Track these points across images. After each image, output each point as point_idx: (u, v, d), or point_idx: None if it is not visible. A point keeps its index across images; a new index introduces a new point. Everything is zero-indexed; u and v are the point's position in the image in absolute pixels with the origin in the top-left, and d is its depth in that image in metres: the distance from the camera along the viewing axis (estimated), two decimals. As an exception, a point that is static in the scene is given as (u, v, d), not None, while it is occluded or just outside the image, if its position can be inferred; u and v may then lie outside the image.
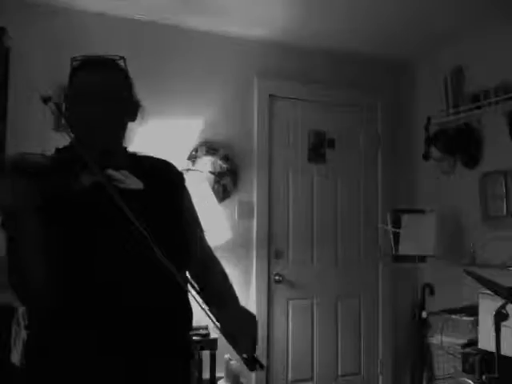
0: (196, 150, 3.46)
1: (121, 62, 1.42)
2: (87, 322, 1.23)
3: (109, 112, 1.33)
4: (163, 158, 1.55)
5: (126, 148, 1.46)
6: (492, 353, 2.31)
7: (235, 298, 1.50)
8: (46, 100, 1.16)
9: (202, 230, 1.56)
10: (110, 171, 1.26)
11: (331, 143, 3.93)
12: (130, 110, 1.43)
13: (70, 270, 1.22)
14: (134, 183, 1.32)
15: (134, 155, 1.49)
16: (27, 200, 1.12)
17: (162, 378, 1.30)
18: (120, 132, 1.41)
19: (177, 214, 1.42)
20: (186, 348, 1.42)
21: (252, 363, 1.31)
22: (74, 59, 1.39)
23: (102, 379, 1.23)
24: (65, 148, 1.34)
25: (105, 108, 1.32)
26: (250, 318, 1.42)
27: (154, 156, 1.56)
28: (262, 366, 1.31)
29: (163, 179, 1.45)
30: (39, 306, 1.24)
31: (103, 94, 1.32)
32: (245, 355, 1.32)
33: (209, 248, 1.58)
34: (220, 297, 1.48)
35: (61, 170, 1.20)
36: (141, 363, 1.26)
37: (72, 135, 1.24)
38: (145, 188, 1.34)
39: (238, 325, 1.37)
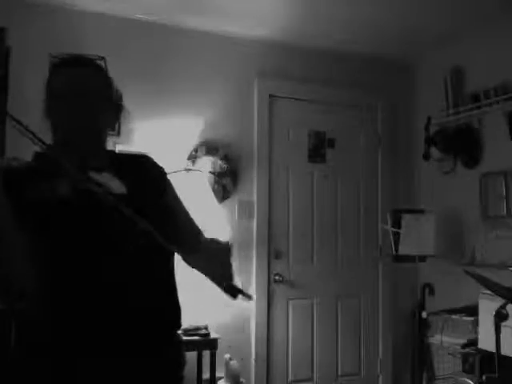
0: (196, 150, 3.46)
1: (101, 62, 1.41)
2: (71, 323, 1.22)
3: (87, 111, 1.32)
4: (142, 153, 1.54)
5: (105, 147, 1.44)
6: (492, 353, 2.31)
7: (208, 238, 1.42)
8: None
9: (193, 223, 1.53)
10: (93, 174, 1.25)
11: (331, 143, 3.93)
12: (110, 109, 1.41)
13: (57, 273, 1.21)
14: (116, 187, 1.30)
15: (113, 153, 1.49)
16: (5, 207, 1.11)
17: (148, 378, 1.30)
18: (99, 131, 1.39)
19: (162, 208, 1.41)
20: (176, 348, 1.42)
21: (232, 291, 1.28)
22: (52, 56, 1.38)
23: (89, 381, 1.22)
24: (44, 152, 1.29)
25: (83, 107, 1.31)
26: (221, 245, 1.34)
27: (133, 152, 1.55)
28: (247, 296, 1.27)
29: (145, 174, 1.44)
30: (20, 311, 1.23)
31: (82, 92, 1.32)
32: (224, 284, 1.28)
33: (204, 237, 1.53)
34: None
35: (39, 178, 1.19)
36: (127, 364, 1.25)
37: (42, 144, 1.18)
38: (128, 188, 1.33)
39: (210, 256, 1.30)
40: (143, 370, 1.28)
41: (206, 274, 1.31)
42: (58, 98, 1.32)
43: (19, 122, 1.12)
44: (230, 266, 1.31)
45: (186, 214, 1.54)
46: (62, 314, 1.22)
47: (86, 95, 1.32)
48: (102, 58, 1.42)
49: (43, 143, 1.16)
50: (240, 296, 1.28)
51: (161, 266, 1.30)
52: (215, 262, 1.30)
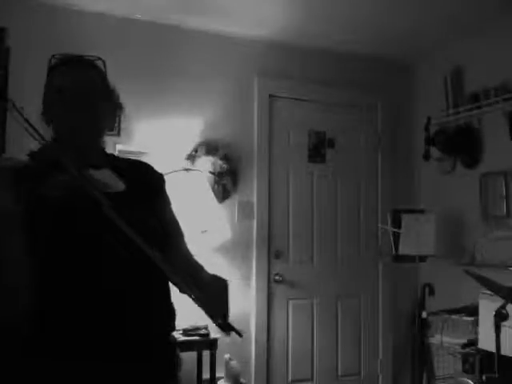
0: (196, 149, 3.46)
1: (99, 63, 1.43)
2: (67, 326, 1.22)
3: (87, 110, 1.33)
4: (143, 160, 1.57)
5: (104, 148, 1.46)
6: (492, 353, 2.31)
7: (208, 274, 1.47)
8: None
9: (181, 233, 1.56)
10: (92, 171, 1.25)
11: (331, 143, 3.93)
12: (109, 108, 1.43)
13: (52, 274, 1.21)
14: (115, 184, 1.31)
15: (113, 156, 1.50)
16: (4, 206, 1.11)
17: (144, 380, 1.29)
18: (99, 131, 1.40)
19: (155, 216, 1.41)
20: (171, 349, 1.42)
21: (226, 328, 1.33)
22: (53, 57, 1.40)
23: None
24: (40, 150, 1.30)
25: (84, 105, 1.32)
26: (221, 283, 1.40)
27: (132, 158, 1.58)
28: (238, 333, 1.32)
29: (143, 180, 1.45)
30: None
31: (83, 91, 1.33)
32: (219, 321, 1.32)
33: (187, 250, 1.56)
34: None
35: (38, 177, 1.19)
36: (122, 368, 1.25)
37: (42, 139, 1.20)
38: (127, 186, 1.34)
39: (209, 291, 1.35)
40: (138, 371, 1.28)
41: (204, 309, 1.33)
42: (59, 96, 1.33)
43: (21, 113, 1.14)
44: (227, 304, 1.37)
45: (178, 230, 1.54)
46: (57, 315, 1.22)
47: (87, 94, 1.34)
48: (100, 59, 1.44)
49: (43, 138, 1.17)
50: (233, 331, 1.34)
51: (156, 269, 1.30)
52: (216, 300, 1.35)
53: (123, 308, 1.26)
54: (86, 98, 1.33)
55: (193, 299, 1.29)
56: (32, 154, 1.31)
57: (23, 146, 1.25)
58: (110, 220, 1.17)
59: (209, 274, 1.45)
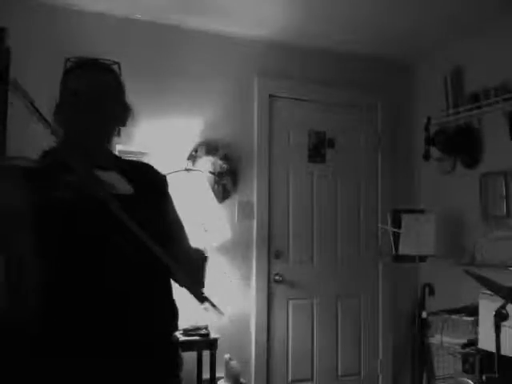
0: (196, 149, 3.46)
1: (115, 67, 1.44)
2: (71, 324, 1.22)
3: (99, 114, 1.34)
4: (146, 162, 1.59)
5: (112, 151, 1.47)
6: (492, 353, 2.31)
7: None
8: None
9: (183, 232, 1.56)
10: (100, 173, 1.25)
11: (331, 143, 3.93)
12: (121, 113, 1.45)
13: (58, 273, 1.22)
14: (122, 187, 1.32)
15: (119, 158, 1.52)
16: (12, 205, 1.11)
17: (146, 379, 1.30)
18: (108, 134, 1.42)
19: (161, 217, 1.42)
20: (172, 348, 1.42)
21: (201, 298, 1.33)
22: (68, 60, 1.41)
23: (87, 381, 1.22)
24: (52, 150, 1.33)
25: (96, 110, 1.33)
26: (197, 252, 1.43)
27: (136, 159, 1.59)
28: (214, 306, 1.33)
29: (146, 182, 1.46)
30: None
31: (97, 94, 1.34)
32: (196, 291, 1.33)
33: (190, 249, 1.57)
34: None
35: (47, 177, 1.19)
36: (124, 365, 1.25)
37: (57, 137, 1.22)
38: (134, 189, 1.35)
39: (185, 260, 1.36)
40: (141, 370, 1.28)
41: (180, 281, 1.33)
42: (75, 99, 1.34)
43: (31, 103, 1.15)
44: (203, 273, 1.39)
45: (182, 228, 1.55)
46: (61, 314, 1.22)
47: (101, 97, 1.35)
48: (116, 63, 1.45)
49: (45, 119, 1.18)
50: (210, 306, 1.35)
51: (160, 269, 1.30)
52: (194, 269, 1.37)
53: (126, 308, 1.26)
54: (100, 101, 1.34)
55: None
56: (45, 154, 1.32)
57: (24, 143, 1.25)
58: (115, 220, 1.18)
59: (192, 248, 1.47)
